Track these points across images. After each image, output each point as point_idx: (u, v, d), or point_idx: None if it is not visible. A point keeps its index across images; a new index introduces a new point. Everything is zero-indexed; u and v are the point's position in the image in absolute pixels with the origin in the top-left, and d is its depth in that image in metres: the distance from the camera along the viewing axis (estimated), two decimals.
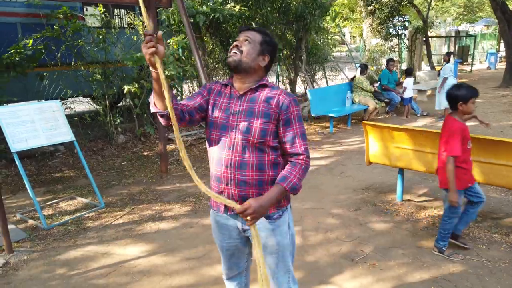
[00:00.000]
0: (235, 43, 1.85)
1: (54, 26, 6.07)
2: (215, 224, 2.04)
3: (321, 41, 11.70)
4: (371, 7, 14.73)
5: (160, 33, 1.65)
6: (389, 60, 9.43)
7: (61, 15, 6.31)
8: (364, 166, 4.88)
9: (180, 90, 7.81)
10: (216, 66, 8.82)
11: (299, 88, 11.06)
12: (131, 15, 7.13)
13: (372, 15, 14.94)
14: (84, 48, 6.39)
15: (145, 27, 1.62)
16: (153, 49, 1.60)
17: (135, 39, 7.05)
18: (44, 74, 6.09)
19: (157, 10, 6.70)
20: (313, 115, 7.99)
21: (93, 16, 6.76)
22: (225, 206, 1.92)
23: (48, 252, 3.39)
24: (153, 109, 1.80)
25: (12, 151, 3.84)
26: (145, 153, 6.36)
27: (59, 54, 6.03)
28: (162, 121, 1.82)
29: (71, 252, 3.40)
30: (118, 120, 6.46)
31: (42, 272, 3.09)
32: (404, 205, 4.24)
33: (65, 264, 3.21)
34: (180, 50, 7.75)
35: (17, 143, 3.87)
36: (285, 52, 10.40)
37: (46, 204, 4.40)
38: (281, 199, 1.84)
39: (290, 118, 1.84)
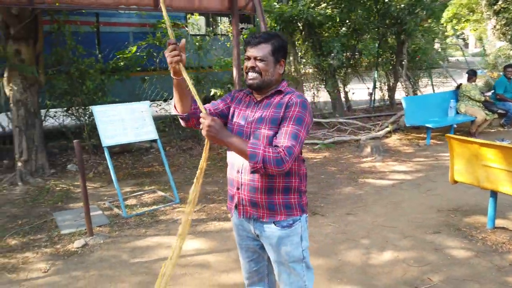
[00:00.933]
0: (249, 64, 1.82)
1: (156, 34, 6.70)
2: (233, 225, 2.08)
3: (429, 45, 10.76)
4: (497, 6, 13.13)
5: (183, 41, 1.70)
6: (507, 66, 8.24)
7: (163, 25, 6.93)
8: (458, 184, 4.33)
9: None
10: (307, 71, 8.75)
11: (399, 95, 10.34)
12: (224, 22, 7.49)
13: (497, 15, 13.31)
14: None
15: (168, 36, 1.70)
16: (178, 57, 1.67)
17: (228, 45, 7.39)
18: (145, 78, 6.74)
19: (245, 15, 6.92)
20: (407, 125, 7.39)
21: (190, 24, 7.28)
22: (235, 208, 1.96)
23: (121, 239, 3.74)
24: (173, 112, 1.86)
25: (103, 146, 4.33)
26: None
27: (158, 60, 6.62)
28: (182, 122, 1.89)
29: (139, 241, 3.69)
30: None
31: (111, 256, 3.41)
32: (494, 233, 3.65)
33: (132, 251, 3.50)
34: None
35: (107, 139, 4.35)
36: (384, 57, 9.83)
37: (131, 195, 4.85)
38: (234, 150, 1.74)
39: (288, 116, 1.77)
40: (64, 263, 3.31)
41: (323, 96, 9.15)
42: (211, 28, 8.07)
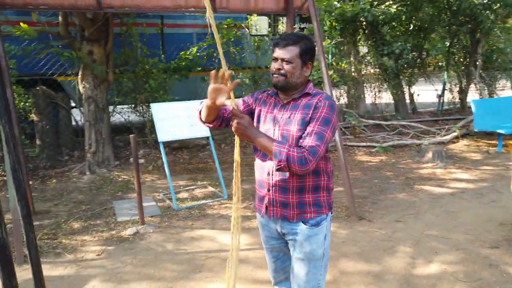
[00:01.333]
0: (275, 65, 1.84)
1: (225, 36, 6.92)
2: (260, 225, 2.11)
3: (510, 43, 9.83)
4: None
5: (228, 73, 1.73)
6: None
7: (225, 25, 7.15)
8: None
9: None
10: (368, 72, 8.46)
11: (472, 98, 9.58)
12: (283, 23, 7.50)
13: None
14: (239, 55, 7.07)
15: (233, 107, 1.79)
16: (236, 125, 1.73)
17: None
18: (205, 77, 7.01)
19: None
20: (475, 130, 6.85)
21: (250, 25, 7.41)
22: (265, 209, 1.96)
23: (169, 230, 3.94)
24: (198, 116, 1.94)
25: (158, 141, 4.59)
26: None
27: (216, 60, 6.84)
28: (209, 127, 1.98)
29: (186, 233, 3.87)
30: None
31: (158, 245, 3.62)
32: None
33: (177, 242, 3.68)
34: (330, 55, 7.77)
35: (163, 135, 4.61)
36: (456, 57, 9.18)
37: (184, 189, 5.08)
38: (261, 147, 1.77)
39: (315, 117, 1.78)
40: (116, 248, 3.59)
41: (385, 97, 8.79)
42: (271, 29, 8.14)
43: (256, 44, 7.22)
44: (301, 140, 1.77)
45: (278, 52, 1.83)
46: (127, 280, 3.09)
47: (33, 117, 5.79)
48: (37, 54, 5.66)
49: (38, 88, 5.80)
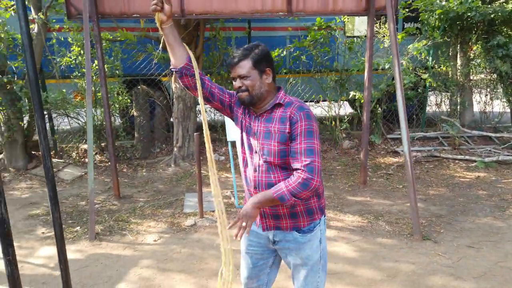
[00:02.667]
0: (236, 84, 1.83)
1: (307, 37, 6.89)
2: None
3: None
4: None
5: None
6: None
7: (316, 27, 7.07)
8: None
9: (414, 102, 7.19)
10: (477, 76, 7.47)
11: None
12: (378, 24, 7.07)
13: None
14: (324, 56, 6.93)
15: None
16: (155, 6, 1.74)
17: (381, 46, 6.99)
18: (291, 80, 7.04)
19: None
20: None
21: (346, 25, 7.19)
22: (259, 221, 1.97)
23: None
24: (171, 67, 1.91)
25: (227, 140, 4.80)
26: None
27: (301, 63, 6.81)
28: (179, 80, 1.91)
29: (235, 230, 3.97)
30: (344, 126, 6.67)
31: (207, 239, 3.81)
32: None
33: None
34: (430, 58, 7.12)
35: (232, 135, 4.79)
36: None
37: None
38: (268, 205, 1.80)
39: (297, 134, 1.74)
40: (172, 236, 3.88)
41: (498, 105, 7.66)
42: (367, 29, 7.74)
43: (347, 45, 6.98)
44: (292, 161, 1.76)
45: (233, 71, 1.84)
46: (170, 269, 3.33)
47: (133, 112, 6.55)
48: (138, 56, 6.38)
49: (139, 87, 6.54)
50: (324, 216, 1.97)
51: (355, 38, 7.07)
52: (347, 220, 4.18)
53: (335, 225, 4.07)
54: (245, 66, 1.79)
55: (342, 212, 4.39)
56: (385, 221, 4.14)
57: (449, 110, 7.50)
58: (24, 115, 5.88)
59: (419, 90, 7.05)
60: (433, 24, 6.96)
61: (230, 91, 2.04)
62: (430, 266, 3.26)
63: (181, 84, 1.93)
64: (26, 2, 5.33)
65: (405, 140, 3.90)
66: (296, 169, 1.72)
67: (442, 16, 6.65)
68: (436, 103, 7.60)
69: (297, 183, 1.69)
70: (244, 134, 1.94)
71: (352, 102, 7.49)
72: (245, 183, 1.98)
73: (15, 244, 2.32)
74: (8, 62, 5.68)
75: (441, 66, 7.12)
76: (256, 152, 1.87)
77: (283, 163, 1.81)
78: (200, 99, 1.91)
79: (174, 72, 1.91)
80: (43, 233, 3.99)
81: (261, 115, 1.87)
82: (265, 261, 2.06)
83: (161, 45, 2.33)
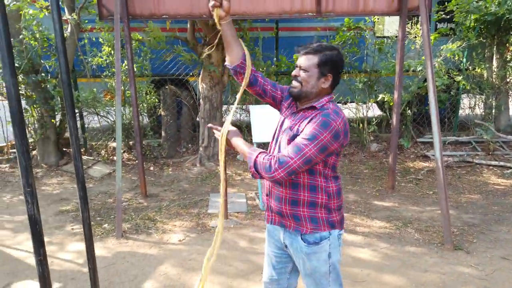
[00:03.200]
0: (293, 72, 1.83)
1: (335, 37, 6.78)
2: (266, 230, 2.10)
3: None
4: None
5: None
6: None
7: (345, 28, 6.96)
8: None
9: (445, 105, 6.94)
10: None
11: None
12: (410, 24, 6.88)
13: None
14: (356, 56, 6.80)
15: None
16: (214, 2, 1.77)
17: (412, 48, 6.81)
18: None
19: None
20: None
21: (376, 25, 7.04)
22: (269, 216, 1.98)
23: (247, 227, 4.09)
24: (226, 63, 1.99)
25: (253, 141, 4.78)
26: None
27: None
28: (234, 77, 1.99)
29: (261, 233, 3.95)
30: (372, 128, 6.54)
31: (231, 240, 3.80)
32: None
33: (250, 241, 3.80)
34: (464, 59, 6.88)
35: (257, 136, 4.77)
36: None
37: None
38: (241, 153, 1.86)
39: (302, 130, 1.74)
40: (196, 237, 3.90)
41: None
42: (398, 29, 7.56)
43: (377, 46, 6.83)
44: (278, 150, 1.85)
45: (298, 60, 1.83)
46: (194, 268, 3.35)
47: (161, 112, 6.63)
48: (166, 56, 6.45)
49: (167, 87, 6.62)
50: (339, 231, 1.88)
51: (385, 39, 6.90)
52: (374, 226, 4.09)
53: (361, 231, 3.98)
54: (310, 60, 1.77)
55: (369, 218, 4.29)
56: (414, 228, 4.02)
57: (483, 113, 7.23)
58: (56, 113, 6.06)
59: (451, 92, 6.82)
60: (468, 25, 6.71)
61: (283, 86, 2.04)
62: (461, 278, 3.13)
63: (236, 79, 2.01)
64: (60, 3, 5.47)
65: (437, 145, 3.76)
66: (273, 155, 1.74)
67: (478, 17, 6.42)
68: (470, 106, 7.33)
69: (264, 162, 1.70)
70: (278, 127, 1.95)
71: (380, 104, 7.33)
72: None
73: (46, 239, 2.37)
74: (42, 62, 5.86)
75: (475, 68, 6.87)
76: (276, 145, 1.90)
77: None
78: (239, 94, 1.99)
79: (229, 69, 1.98)
80: (72, 229, 4.09)
81: (298, 112, 1.87)
82: (284, 265, 2.04)
83: (215, 41, 2.40)
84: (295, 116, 1.87)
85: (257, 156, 1.73)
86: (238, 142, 1.85)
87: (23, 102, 5.75)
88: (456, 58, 6.58)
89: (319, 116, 1.72)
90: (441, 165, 3.71)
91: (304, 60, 1.78)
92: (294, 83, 1.82)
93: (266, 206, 1.98)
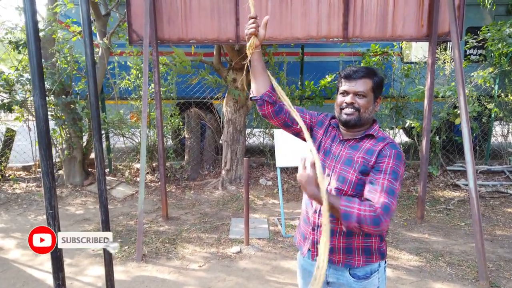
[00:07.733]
0: (348, 99, 1.69)
1: (361, 63, 6.73)
2: (299, 268, 1.94)
3: None
4: None
5: (267, 17, 1.74)
6: None
7: (371, 53, 6.91)
8: None
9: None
10: None
11: None
12: (438, 50, 6.76)
13: None
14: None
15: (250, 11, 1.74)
16: (253, 29, 1.69)
17: (441, 74, 6.67)
18: None
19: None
20: None
21: (404, 51, 6.96)
22: (307, 250, 1.81)
23: (269, 255, 3.96)
24: (251, 95, 1.86)
25: (276, 166, 4.70)
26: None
27: None
28: (258, 109, 1.84)
29: (283, 261, 3.82)
30: None
31: (253, 268, 3.68)
32: None
33: (273, 269, 3.66)
34: (496, 86, 6.68)
35: (280, 161, 4.70)
36: None
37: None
38: (330, 211, 1.51)
39: (382, 169, 1.58)
40: (217, 262, 3.79)
41: None
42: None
43: (404, 72, 6.73)
44: (369, 194, 1.58)
45: (350, 85, 1.69)
46: None
47: (185, 134, 6.67)
48: (191, 80, 6.54)
49: (191, 110, 6.67)
50: (385, 263, 1.78)
51: (412, 64, 6.79)
52: (403, 258, 3.89)
53: (389, 263, 3.79)
54: (367, 85, 1.69)
55: (397, 249, 4.09)
56: (446, 262, 3.80)
57: None
58: (83, 134, 6.18)
59: (483, 119, 6.60)
60: (500, 51, 6.54)
61: (311, 112, 1.94)
62: None
63: (260, 113, 1.87)
64: (92, 28, 5.66)
65: (471, 174, 3.59)
66: (371, 203, 1.54)
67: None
68: (502, 134, 7.06)
69: (370, 215, 1.48)
70: (322, 155, 1.80)
71: (408, 131, 7.16)
72: (305, 205, 1.86)
73: (67, 260, 2.33)
74: (73, 84, 6.03)
75: (508, 95, 6.64)
76: (328, 175, 1.73)
77: (355, 196, 1.64)
78: (298, 119, 1.74)
79: (253, 101, 1.84)
80: (93, 250, 4.07)
81: (348, 141, 1.75)
82: None
83: (244, 71, 2.30)
84: (346, 145, 1.75)
85: (359, 210, 1.50)
86: (327, 197, 1.50)
87: (52, 123, 5.90)
88: (488, 85, 6.40)
89: (389, 149, 1.63)
90: (475, 195, 3.52)
91: (362, 85, 1.68)
92: (350, 110, 1.69)
93: (311, 241, 1.80)
